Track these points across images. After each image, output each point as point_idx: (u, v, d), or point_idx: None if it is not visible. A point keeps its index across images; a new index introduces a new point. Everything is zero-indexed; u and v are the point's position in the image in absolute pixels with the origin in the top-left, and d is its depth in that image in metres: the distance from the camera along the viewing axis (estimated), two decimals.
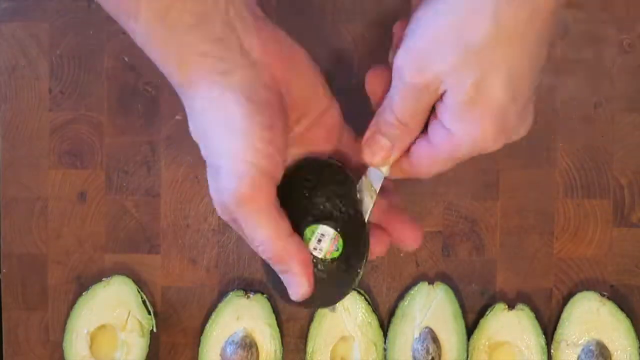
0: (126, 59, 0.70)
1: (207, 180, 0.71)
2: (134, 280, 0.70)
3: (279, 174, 0.47)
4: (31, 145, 0.70)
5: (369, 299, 0.70)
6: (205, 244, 0.71)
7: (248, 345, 0.68)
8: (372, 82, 0.51)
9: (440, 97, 0.47)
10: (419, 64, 0.46)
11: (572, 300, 0.69)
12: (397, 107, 0.48)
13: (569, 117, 0.69)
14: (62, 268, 0.71)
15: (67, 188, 0.71)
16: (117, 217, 0.71)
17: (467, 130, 0.47)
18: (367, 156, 0.50)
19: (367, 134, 0.51)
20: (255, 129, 0.45)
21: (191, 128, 0.48)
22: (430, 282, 0.69)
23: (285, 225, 0.48)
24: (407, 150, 0.50)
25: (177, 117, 0.70)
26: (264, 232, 0.47)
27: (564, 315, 0.69)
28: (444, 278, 0.70)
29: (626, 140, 0.70)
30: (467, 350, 0.69)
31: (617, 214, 0.69)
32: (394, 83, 0.49)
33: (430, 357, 0.67)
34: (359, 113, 0.68)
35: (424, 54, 0.46)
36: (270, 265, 0.49)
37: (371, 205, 0.50)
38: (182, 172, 0.70)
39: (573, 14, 0.69)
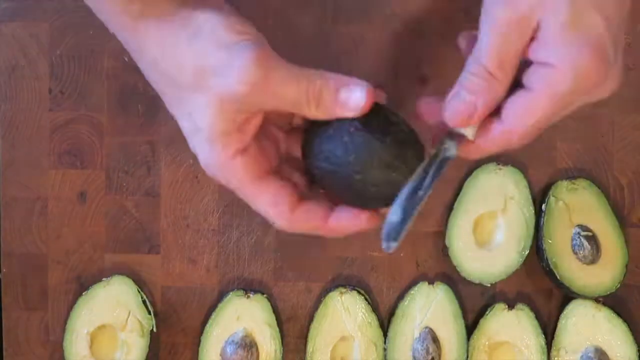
0: (126, 59, 0.70)
1: (207, 180, 0.71)
2: (134, 280, 0.70)
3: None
4: (31, 145, 0.70)
5: (369, 299, 0.70)
6: (205, 244, 0.71)
7: (248, 345, 0.68)
8: (463, 42, 0.50)
9: (533, 37, 0.45)
10: None
11: (567, 308, 0.69)
12: (484, 53, 0.45)
13: (569, 117, 0.69)
14: (62, 268, 0.71)
15: (67, 188, 0.71)
16: (117, 217, 0.71)
17: (570, 57, 0.44)
18: (451, 115, 0.47)
19: (452, 92, 0.47)
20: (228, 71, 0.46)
21: (154, 82, 0.50)
22: (430, 282, 0.69)
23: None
24: (498, 113, 0.47)
25: None
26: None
27: (561, 323, 0.69)
28: (444, 278, 0.70)
29: (626, 140, 0.70)
30: (467, 350, 0.69)
31: (617, 214, 0.69)
32: (481, 29, 0.46)
33: (430, 357, 0.67)
34: None
35: None
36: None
37: (438, 174, 0.47)
38: (182, 172, 0.70)
39: None
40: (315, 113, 0.47)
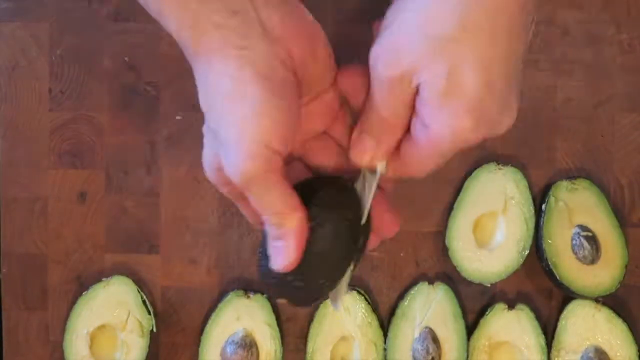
0: (126, 59, 0.70)
1: (206, 180, 0.71)
2: (133, 280, 0.70)
3: (289, 149, 0.47)
4: (31, 145, 0.70)
5: (369, 299, 0.70)
6: (205, 244, 0.71)
7: (248, 345, 0.68)
8: (344, 82, 0.51)
9: (417, 92, 0.47)
10: (391, 57, 0.47)
11: (567, 308, 0.69)
12: (376, 103, 0.48)
13: (569, 117, 0.69)
14: (62, 268, 0.71)
15: (67, 188, 0.71)
16: (117, 217, 0.71)
17: (444, 123, 0.46)
18: (355, 157, 0.50)
19: (354, 134, 0.50)
20: (272, 112, 0.45)
21: (201, 99, 0.48)
22: (430, 282, 0.69)
23: (293, 194, 0.47)
24: (398, 150, 0.50)
25: (177, 117, 0.70)
26: (273, 200, 0.47)
27: (561, 324, 0.69)
28: (444, 278, 0.70)
29: (626, 140, 0.70)
30: (467, 350, 0.69)
31: (617, 214, 0.69)
32: (371, 81, 0.49)
33: (430, 357, 0.67)
34: None
35: (395, 47, 0.47)
36: (267, 232, 0.49)
37: (368, 203, 0.50)
38: (182, 172, 0.70)
39: (573, 14, 0.69)
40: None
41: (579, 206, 0.68)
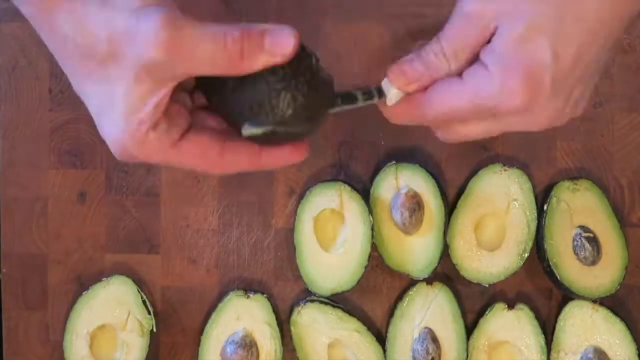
0: None
1: (207, 180, 0.71)
2: (133, 280, 0.70)
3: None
4: (31, 145, 0.70)
5: (342, 307, 0.70)
6: (205, 244, 0.71)
7: (248, 345, 0.68)
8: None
9: (489, 40, 0.47)
10: None
11: (564, 310, 0.69)
12: (446, 36, 0.48)
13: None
14: (62, 268, 0.71)
15: (67, 188, 0.71)
16: (117, 217, 0.71)
17: (504, 69, 0.46)
18: (394, 70, 0.50)
19: (409, 55, 0.50)
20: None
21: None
22: (429, 283, 0.69)
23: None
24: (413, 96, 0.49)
25: None
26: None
27: (559, 325, 0.69)
28: (444, 278, 0.70)
29: (626, 140, 0.70)
30: (467, 350, 0.69)
31: (617, 214, 0.69)
32: (451, 17, 0.49)
33: (430, 357, 0.67)
34: (362, 114, 0.68)
35: None
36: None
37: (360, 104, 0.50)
38: (182, 172, 0.70)
39: None
40: (238, 69, 0.45)
41: (581, 207, 0.68)
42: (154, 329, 0.70)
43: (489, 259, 0.68)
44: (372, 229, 0.67)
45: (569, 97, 0.48)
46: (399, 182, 0.68)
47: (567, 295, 0.69)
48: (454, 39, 0.48)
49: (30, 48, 0.70)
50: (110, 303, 0.69)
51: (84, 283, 0.71)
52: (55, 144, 0.70)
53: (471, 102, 0.47)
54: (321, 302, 0.69)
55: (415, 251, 0.68)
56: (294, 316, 0.69)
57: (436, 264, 0.67)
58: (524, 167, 0.69)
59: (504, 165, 0.69)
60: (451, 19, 0.49)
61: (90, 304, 0.69)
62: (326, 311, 0.68)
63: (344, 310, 0.69)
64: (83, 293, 0.70)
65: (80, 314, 0.69)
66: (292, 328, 0.69)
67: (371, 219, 0.67)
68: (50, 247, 0.71)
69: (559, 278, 0.67)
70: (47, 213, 0.71)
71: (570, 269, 0.67)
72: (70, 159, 0.70)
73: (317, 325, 0.68)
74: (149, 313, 0.70)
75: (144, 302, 0.70)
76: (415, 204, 0.67)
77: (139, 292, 0.70)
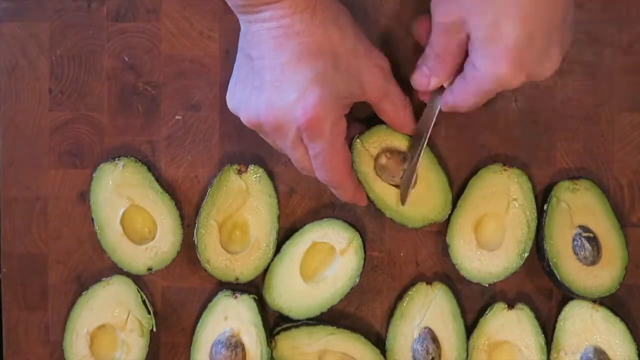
0: (126, 59, 0.70)
1: (206, 180, 0.71)
2: (133, 280, 0.70)
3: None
4: (31, 145, 0.70)
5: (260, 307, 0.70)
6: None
7: (233, 346, 0.67)
8: (418, 28, 0.62)
9: (469, 38, 0.56)
10: (446, 7, 0.57)
11: (564, 310, 0.69)
12: (433, 43, 0.60)
13: (569, 117, 0.69)
14: (62, 268, 0.71)
15: (67, 188, 0.71)
16: None
17: (488, 65, 0.56)
18: (414, 81, 0.63)
19: (417, 65, 0.62)
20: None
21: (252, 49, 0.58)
22: (429, 282, 0.69)
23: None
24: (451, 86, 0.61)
25: (177, 117, 0.70)
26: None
27: (559, 325, 0.69)
28: (444, 278, 0.70)
29: (626, 140, 0.69)
30: (467, 350, 0.69)
31: (617, 214, 0.69)
32: (432, 25, 0.59)
33: (430, 357, 0.67)
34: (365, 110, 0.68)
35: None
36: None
37: (433, 119, 0.64)
38: (182, 172, 0.70)
39: (573, 14, 0.69)
40: None
41: (581, 206, 0.68)
42: (154, 329, 0.70)
43: (489, 259, 0.68)
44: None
45: (550, 53, 0.56)
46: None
47: (567, 295, 0.69)
48: (439, 43, 0.59)
49: (30, 48, 0.70)
50: (110, 303, 0.69)
51: (84, 283, 0.71)
52: (55, 144, 0.70)
53: (481, 94, 0.59)
54: (295, 326, 0.69)
55: (426, 197, 0.69)
56: (274, 353, 0.68)
57: (450, 205, 0.69)
58: (524, 167, 0.69)
59: (504, 165, 0.69)
60: (433, 30, 0.59)
61: (90, 304, 0.69)
62: (302, 333, 0.68)
63: (317, 322, 0.69)
64: (83, 293, 0.70)
65: (80, 314, 0.69)
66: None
67: None
68: (50, 247, 0.71)
69: (559, 278, 0.67)
70: (47, 213, 0.71)
71: (570, 268, 0.67)
72: (70, 159, 0.70)
73: (299, 349, 0.68)
74: (149, 313, 0.70)
75: (143, 302, 0.70)
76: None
77: (138, 292, 0.70)
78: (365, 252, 0.68)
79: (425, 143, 0.65)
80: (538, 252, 0.69)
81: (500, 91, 0.58)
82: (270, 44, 0.57)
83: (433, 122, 0.64)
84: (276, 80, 0.57)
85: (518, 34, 0.54)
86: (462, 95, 0.60)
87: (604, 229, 0.68)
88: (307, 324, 0.68)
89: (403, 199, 0.67)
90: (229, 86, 0.62)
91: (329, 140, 0.59)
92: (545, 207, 0.68)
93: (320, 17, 0.57)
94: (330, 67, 0.58)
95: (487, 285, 0.68)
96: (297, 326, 0.68)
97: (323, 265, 0.69)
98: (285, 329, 0.68)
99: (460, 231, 0.68)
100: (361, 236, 0.68)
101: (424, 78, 0.62)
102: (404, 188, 0.67)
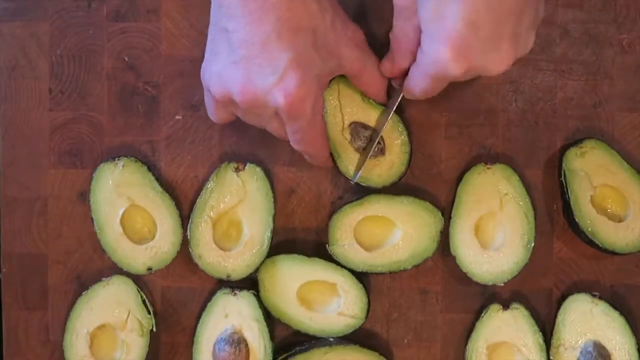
0: (126, 59, 0.70)
1: (206, 180, 0.71)
2: (133, 280, 0.70)
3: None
4: (31, 145, 0.70)
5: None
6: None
7: (236, 342, 0.67)
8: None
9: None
10: None
11: (564, 304, 0.69)
12: (393, 29, 0.61)
13: (569, 117, 0.69)
14: (62, 268, 0.71)
15: (67, 188, 0.71)
16: None
17: (430, 48, 0.55)
18: (380, 66, 0.64)
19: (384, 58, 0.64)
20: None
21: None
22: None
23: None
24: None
25: (177, 117, 0.70)
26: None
27: (559, 319, 0.69)
28: (444, 278, 0.70)
29: (626, 140, 0.69)
30: (466, 354, 0.68)
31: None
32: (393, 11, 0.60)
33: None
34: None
35: None
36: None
37: (395, 104, 0.66)
38: (182, 171, 0.70)
39: (573, 13, 0.69)
40: None
41: (595, 167, 0.68)
42: (154, 329, 0.70)
43: (498, 259, 0.68)
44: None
45: (500, 48, 0.55)
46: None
47: (564, 293, 0.69)
48: (398, 28, 0.60)
49: (30, 48, 0.70)
50: (110, 303, 0.69)
51: (84, 283, 0.71)
52: (55, 144, 0.70)
53: (428, 80, 0.59)
54: (291, 355, 0.68)
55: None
56: None
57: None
58: (524, 167, 0.69)
59: (486, 164, 0.68)
60: (394, 15, 0.60)
61: (90, 304, 0.69)
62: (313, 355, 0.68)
63: (310, 347, 0.69)
64: (83, 293, 0.70)
65: (80, 314, 0.69)
66: None
67: None
68: (50, 247, 0.71)
69: (600, 245, 0.67)
70: (47, 213, 0.71)
71: (606, 230, 0.67)
72: (70, 159, 0.70)
73: None
74: (149, 313, 0.70)
75: (143, 301, 0.70)
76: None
77: (138, 292, 0.70)
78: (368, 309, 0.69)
79: (386, 125, 0.67)
80: (572, 227, 0.69)
81: (451, 80, 0.58)
82: (247, 18, 0.56)
83: (395, 105, 0.65)
84: (255, 57, 0.56)
85: (460, 17, 0.53)
86: (413, 80, 0.60)
87: (622, 181, 0.68)
88: (302, 351, 0.68)
89: (357, 169, 0.67)
90: (205, 58, 0.61)
91: (309, 119, 0.59)
92: (564, 183, 0.68)
93: None
94: (310, 46, 0.57)
95: (503, 285, 0.68)
96: (292, 355, 0.68)
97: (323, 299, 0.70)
98: (295, 354, 0.68)
99: (462, 240, 0.68)
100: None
101: (387, 63, 0.63)
102: (362, 159, 0.67)
